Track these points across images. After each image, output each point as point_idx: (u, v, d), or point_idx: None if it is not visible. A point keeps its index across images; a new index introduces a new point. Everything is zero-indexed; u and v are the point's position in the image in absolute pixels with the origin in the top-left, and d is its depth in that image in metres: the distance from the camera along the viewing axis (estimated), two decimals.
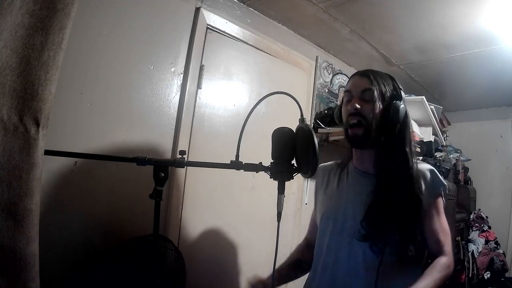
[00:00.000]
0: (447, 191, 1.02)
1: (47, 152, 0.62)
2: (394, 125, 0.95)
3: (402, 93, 0.99)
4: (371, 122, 0.94)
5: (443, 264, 0.90)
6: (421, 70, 2.49)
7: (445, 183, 1.00)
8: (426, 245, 0.97)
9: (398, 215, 0.89)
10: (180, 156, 0.82)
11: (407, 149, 0.96)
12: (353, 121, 0.96)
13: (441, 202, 0.99)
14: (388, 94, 0.97)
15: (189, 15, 1.55)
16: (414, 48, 2.15)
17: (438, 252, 0.93)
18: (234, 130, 1.66)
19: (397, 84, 1.01)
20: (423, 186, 0.95)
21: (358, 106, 0.95)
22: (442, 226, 0.96)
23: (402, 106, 0.96)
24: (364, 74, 0.99)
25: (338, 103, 2.19)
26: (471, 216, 2.91)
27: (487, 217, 2.96)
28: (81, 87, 1.20)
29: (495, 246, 2.78)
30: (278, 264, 0.99)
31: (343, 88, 2.36)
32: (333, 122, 1.67)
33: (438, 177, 0.99)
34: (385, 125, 0.95)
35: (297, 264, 1.13)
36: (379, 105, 0.95)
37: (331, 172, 1.13)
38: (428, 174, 0.98)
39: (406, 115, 0.97)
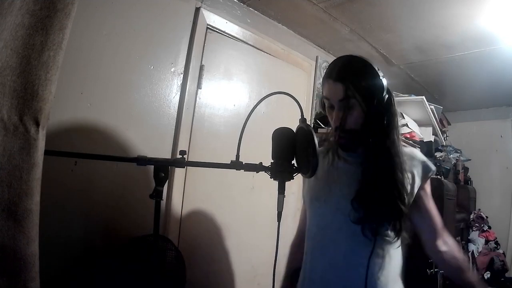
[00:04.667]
0: (434, 175, 1.06)
1: (47, 152, 0.62)
2: (381, 118, 0.91)
3: (384, 81, 0.91)
4: (358, 128, 0.92)
5: (459, 251, 1.00)
6: (421, 70, 2.49)
7: (434, 168, 1.02)
8: (417, 227, 0.98)
9: (388, 196, 0.89)
10: (180, 156, 0.82)
11: (395, 136, 0.94)
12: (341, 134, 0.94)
13: (429, 185, 1.01)
14: (370, 88, 0.90)
15: (189, 15, 1.55)
16: (414, 48, 2.15)
17: (433, 231, 0.97)
18: (234, 130, 1.66)
19: (375, 70, 0.91)
20: (415, 171, 0.96)
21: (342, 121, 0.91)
22: (433, 207, 1.00)
23: (386, 96, 0.91)
24: (338, 78, 0.90)
25: None
26: (471, 216, 2.91)
27: (487, 217, 2.95)
28: (81, 87, 1.20)
29: (495, 246, 2.78)
30: (278, 275, 0.98)
31: None
32: None
33: (428, 162, 1.01)
34: (373, 121, 0.91)
35: (297, 274, 1.09)
36: (362, 107, 0.90)
37: (320, 157, 1.05)
38: (420, 159, 1.00)
39: (392, 103, 0.93)
